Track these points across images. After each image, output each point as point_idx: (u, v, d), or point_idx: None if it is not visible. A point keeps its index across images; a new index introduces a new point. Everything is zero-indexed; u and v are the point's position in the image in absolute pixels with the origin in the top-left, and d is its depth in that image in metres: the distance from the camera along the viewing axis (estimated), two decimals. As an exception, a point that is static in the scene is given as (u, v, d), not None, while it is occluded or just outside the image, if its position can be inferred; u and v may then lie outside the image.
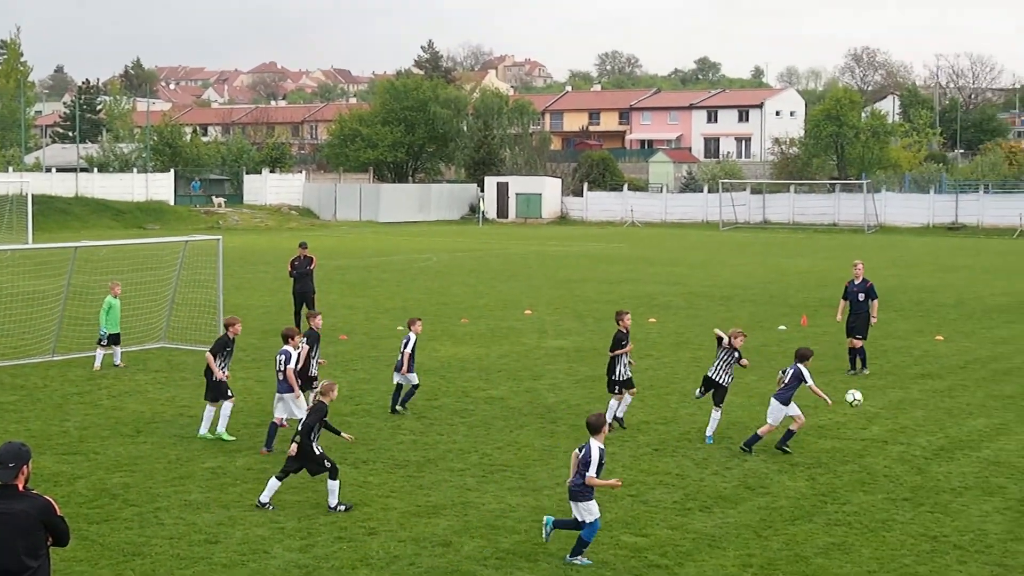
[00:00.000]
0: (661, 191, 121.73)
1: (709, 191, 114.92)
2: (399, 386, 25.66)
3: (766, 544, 17.01)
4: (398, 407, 25.55)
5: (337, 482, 18.33)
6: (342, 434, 19.39)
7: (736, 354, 23.44)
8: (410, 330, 25.80)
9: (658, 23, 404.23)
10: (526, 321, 40.69)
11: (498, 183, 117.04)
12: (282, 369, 21.93)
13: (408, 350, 25.28)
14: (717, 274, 59.18)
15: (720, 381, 23.46)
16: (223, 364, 23.08)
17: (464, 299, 47.22)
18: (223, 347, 23.22)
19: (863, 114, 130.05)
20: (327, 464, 18.36)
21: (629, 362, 24.59)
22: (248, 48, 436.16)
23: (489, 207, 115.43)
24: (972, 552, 16.75)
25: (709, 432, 23.42)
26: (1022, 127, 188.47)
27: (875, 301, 32.39)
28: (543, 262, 66.65)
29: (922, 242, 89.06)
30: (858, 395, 23.56)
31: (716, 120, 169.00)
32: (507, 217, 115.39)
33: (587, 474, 16.14)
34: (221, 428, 22.91)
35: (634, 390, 24.75)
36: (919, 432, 24.10)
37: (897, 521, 18.17)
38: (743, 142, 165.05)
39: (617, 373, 24.33)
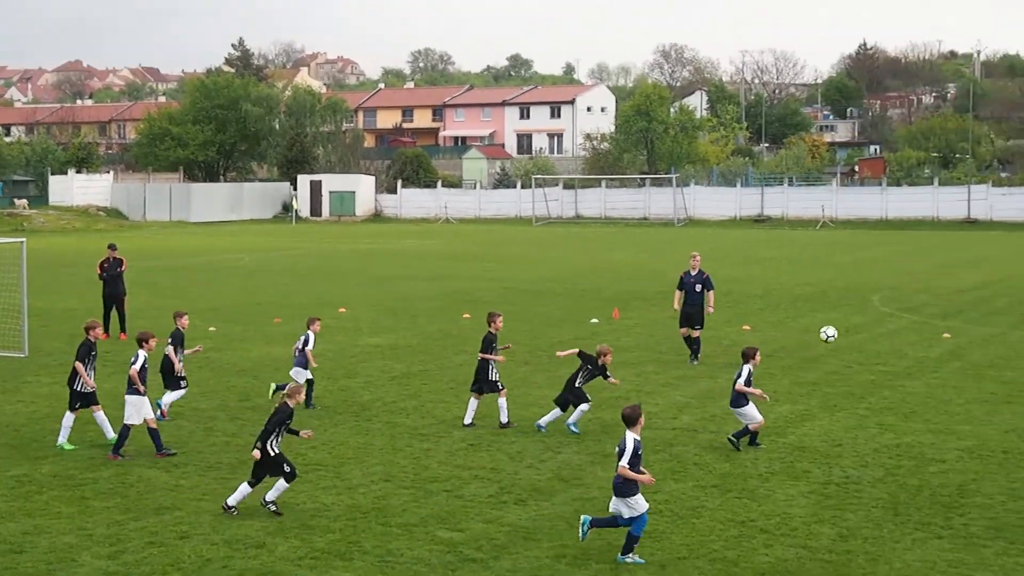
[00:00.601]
0: (475, 187, 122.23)
1: (522, 187, 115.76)
2: (310, 382, 26.03)
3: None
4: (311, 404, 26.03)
5: (287, 485, 18.29)
6: (300, 433, 19.09)
7: (605, 371, 23.89)
8: (308, 329, 26.25)
9: (471, 21, 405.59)
10: (340, 319, 40.50)
11: (311, 181, 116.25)
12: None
13: (309, 347, 25.88)
14: (531, 269, 59.64)
15: (580, 393, 23.86)
16: (90, 370, 22.48)
17: (277, 298, 46.81)
18: (87, 353, 22.52)
19: (672, 109, 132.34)
20: (286, 468, 18.24)
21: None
22: (52, 46, 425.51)
23: (302, 205, 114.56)
24: (778, 535, 17.18)
25: (543, 422, 23.85)
26: (824, 121, 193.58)
27: (711, 292, 33.17)
28: (357, 260, 66.41)
29: (730, 234, 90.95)
30: (831, 331, 24.03)
31: (529, 117, 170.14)
32: (320, 215, 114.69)
33: (619, 464, 16.17)
34: (109, 435, 22.28)
35: (505, 389, 24.65)
36: (727, 420, 24.59)
37: (706, 508, 18.55)
38: (555, 138, 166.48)
39: (489, 374, 24.37)
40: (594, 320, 40.00)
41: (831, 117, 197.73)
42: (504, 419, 24.17)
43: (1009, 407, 25.86)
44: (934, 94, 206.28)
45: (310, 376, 26.19)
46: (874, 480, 19.97)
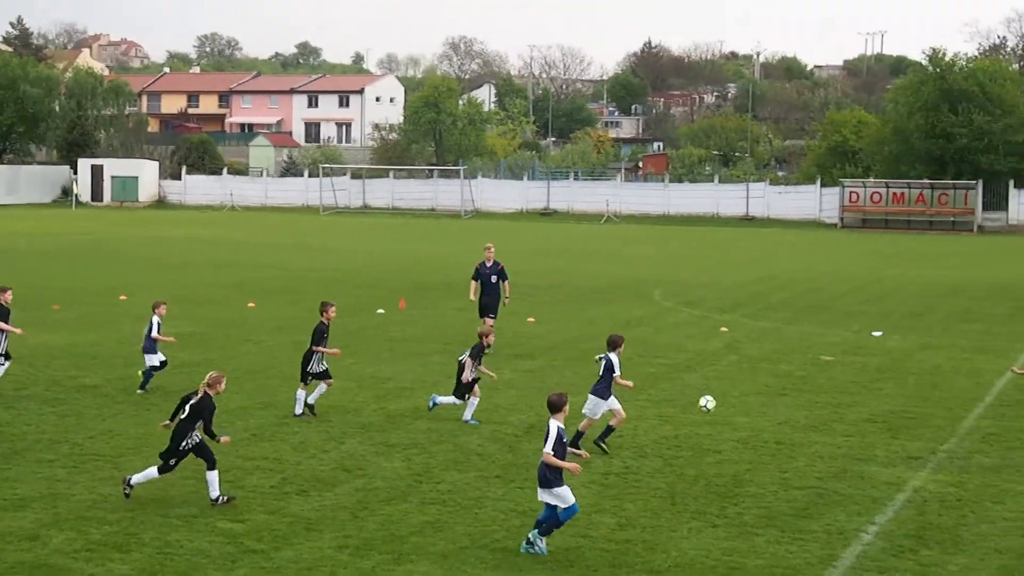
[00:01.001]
0: (262, 175, 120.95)
1: (310, 176, 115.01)
2: (156, 368, 26.41)
3: (362, 525, 17.19)
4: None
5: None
6: (220, 439, 18.50)
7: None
8: (154, 313, 26.54)
9: (259, 6, 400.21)
10: (122, 307, 39.67)
11: (92, 165, 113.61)
12: None
13: (154, 333, 26.15)
14: (318, 258, 59.28)
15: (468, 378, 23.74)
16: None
17: (56, 285, 45.60)
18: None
19: (460, 102, 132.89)
20: (172, 462, 18.09)
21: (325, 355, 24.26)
22: None
23: (83, 190, 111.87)
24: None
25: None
26: (610, 117, 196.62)
27: (507, 282, 33.61)
28: (141, 246, 65.11)
29: (516, 227, 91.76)
30: (709, 402, 22.54)
31: (317, 105, 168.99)
32: (102, 200, 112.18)
33: (544, 450, 15.97)
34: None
35: (331, 381, 24.37)
36: (511, 411, 24.84)
37: (489, 498, 18.70)
38: (344, 127, 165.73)
39: (312, 365, 24.06)
40: (380, 311, 39.96)
41: (616, 113, 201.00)
42: (298, 410, 24.02)
43: (783, 399, 26.64)
44: (715, 93, 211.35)
45: (162, 359, 26.24)
46: (653, 470, 20.38)
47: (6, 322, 25.01)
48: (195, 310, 39.31)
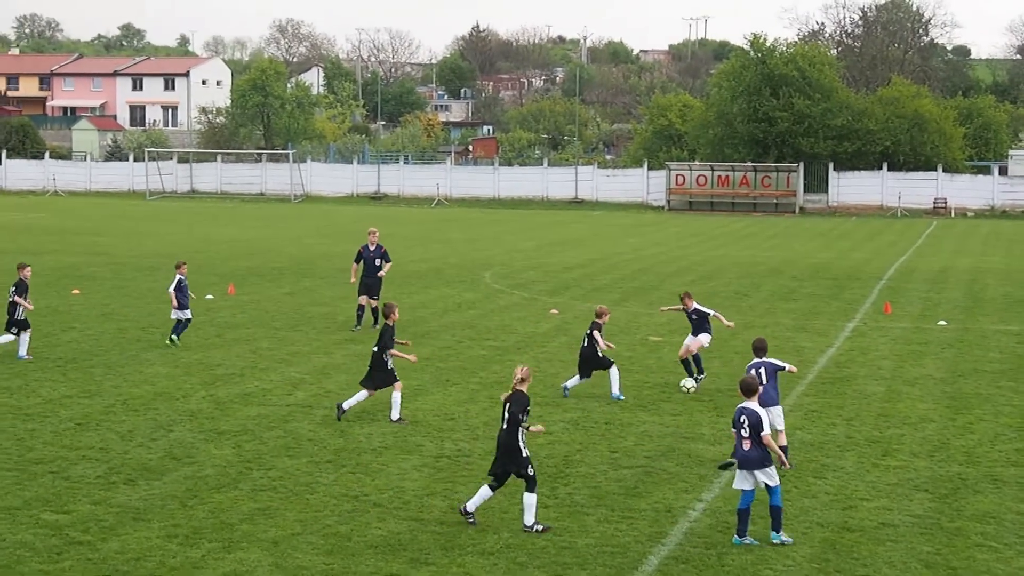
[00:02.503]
0: (85, 159, 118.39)
1: (135, 160, 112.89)
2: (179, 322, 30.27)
3: (192, 513, 17.00)
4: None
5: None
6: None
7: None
8: (177, 272, 30.73)
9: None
10: (-62, 296, 38.52)
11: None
12: None
13: (171, 289, 30.32)
14: (144, 244, 58.28)
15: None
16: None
17: None
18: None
19: (288, 85, 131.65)
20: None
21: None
22: None
23: None
24: (391, 508, 17.42)
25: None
26: (439, 101, 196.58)
27: (388, 264, 34.49)
28: (-43, 233, 63.28)
29: (346, 211, 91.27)
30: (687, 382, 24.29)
31: (142, 88, 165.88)
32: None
33: (763, 433, 16.23)
34: None
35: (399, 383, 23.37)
36: (343, 396, 24.70)
37: (321, 483, 18.62)
38: (170, 111, 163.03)
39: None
40: (209, 296, 39.45)
41: (446, 97, 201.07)
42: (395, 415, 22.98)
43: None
44: (544, 77, 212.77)
45: (189, 316, 30.70)
46: (485, 452, 20.47)
47: (24, 297, 28.34)
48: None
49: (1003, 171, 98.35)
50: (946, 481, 19.20)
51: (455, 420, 22.84)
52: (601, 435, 21.87)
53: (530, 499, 16.59)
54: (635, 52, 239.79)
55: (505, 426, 17.02)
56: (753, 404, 16.54)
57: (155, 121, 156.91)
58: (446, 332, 33.29)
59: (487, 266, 50.78)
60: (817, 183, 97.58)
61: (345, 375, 27.02)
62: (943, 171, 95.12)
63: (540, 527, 16.51)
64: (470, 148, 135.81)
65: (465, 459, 20.12)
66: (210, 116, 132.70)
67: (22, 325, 28.48)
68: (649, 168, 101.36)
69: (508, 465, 16.85)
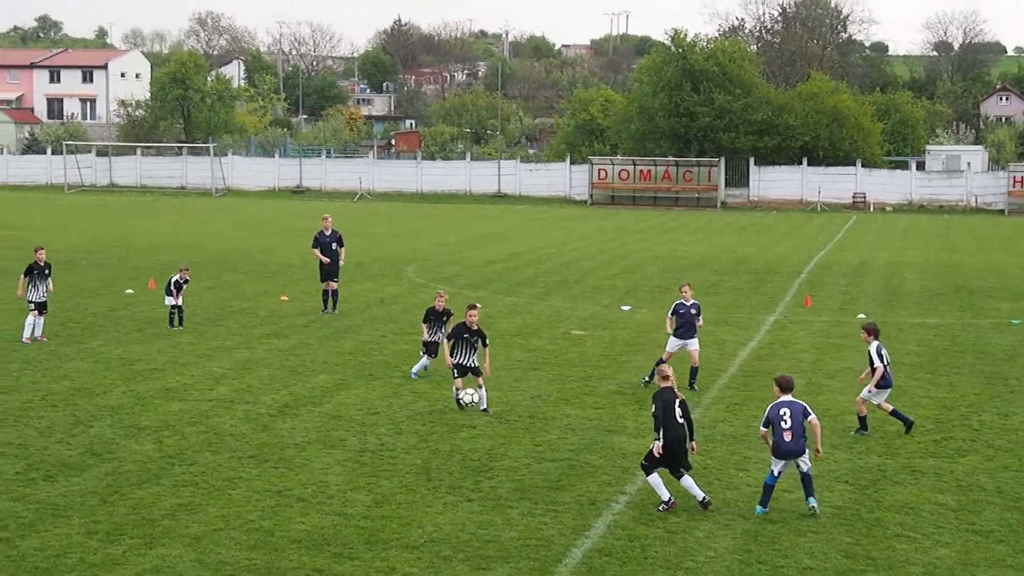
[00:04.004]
0: (2, 152, 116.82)
1: (53, 153, 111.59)
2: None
3: (112, 510, 16.85)
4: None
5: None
6: None
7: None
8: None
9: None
10: None
11: None
12: None
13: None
14: (62, 238, 57.57)
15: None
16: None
17: None
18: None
19: (209, 78, 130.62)
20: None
21: None
22: None
23: None
24: (314, 503, 17.36)
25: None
26: (361, 95, 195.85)
27: (343, 248, 36.26)
28: None
29: (268, 205, 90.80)
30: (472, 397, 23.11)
31: (59, 80, 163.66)
32: None
33: (810, 419, 17.44)
34: None
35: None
36: (265, 391, 24.64)
37: (243, 478, 18.52)
38: (88, 103, 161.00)
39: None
40: (130, 291, 39.10)
41: (368, 91, 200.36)
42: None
43: (535, 373, 27.03)
44: (466, 72, 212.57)
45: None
46: (408, 447, 20.47)
47: (41, 280, 29.87)
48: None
49: (920, 166, 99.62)
50: (865, 472, 19.42)
51: (378, 415, 22.79)
52: (525, 428, 21.91)
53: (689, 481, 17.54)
54: (557, 47, 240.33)
55: (683, 423, 17.52)
56: (791, 397, 17.58)
57: (73, 114, 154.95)
58: (369, 326, 33.21)
59: (410, 260, 50.70)
60: (738, 177, 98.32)
61: (267, 369, 26.89)
62: (862, 166, 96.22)
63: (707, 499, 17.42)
64: (392, 142, 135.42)
65: (388, 453, 20.08)
66: (129, 109, 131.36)
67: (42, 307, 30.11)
68: (572, 162, 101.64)
69: (682, 461, 17.51)
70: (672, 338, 25.68)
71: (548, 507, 17.35)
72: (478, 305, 24.66)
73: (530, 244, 59.82)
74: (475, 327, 23.32)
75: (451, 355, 23.30)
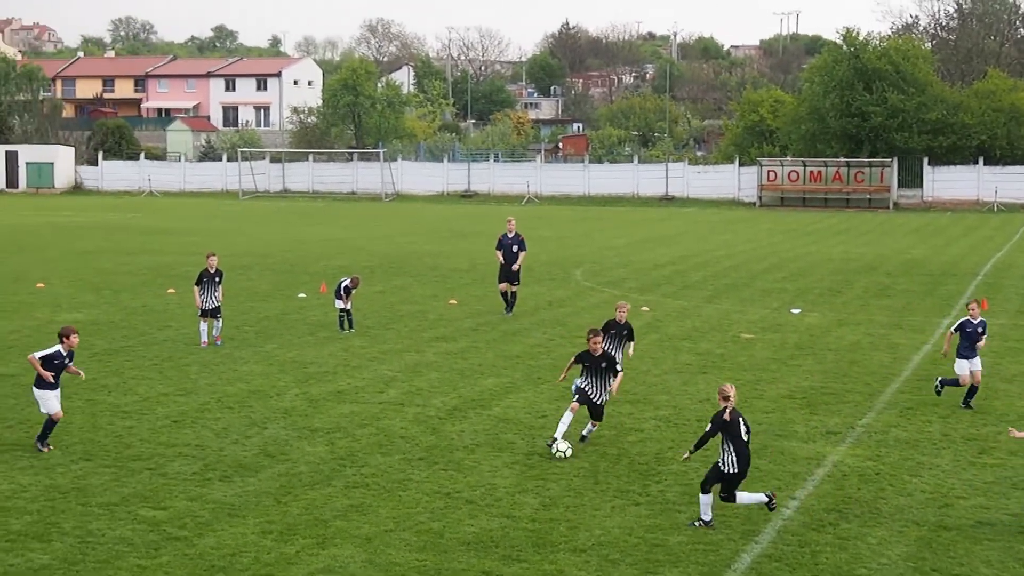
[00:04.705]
0: (179, 160, 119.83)
1: (228, 160, 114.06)
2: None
3: (286, 510, 17.16)
4: None
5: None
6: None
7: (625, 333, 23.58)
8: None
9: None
10: (39, 295, 39.22)
11: (6, 152, 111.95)
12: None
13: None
14: (237, 243, 58.84)
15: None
16: None
17: (-30, 273, 44.96)
18: None
19: (379, 84, 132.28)
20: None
21: None
22: None
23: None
24: (483, 505, 17.47)
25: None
26: (529, 99, 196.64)
27: (523, 252, 36.67)
28: (56, 234, 64.33)
29: (437, 209, 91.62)
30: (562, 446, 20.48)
31: (234, 89, 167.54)
32: (17, 187, 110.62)
33: None
34: None
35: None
36: (434, 394, 24.86)
37: (413, 480, 18.71)
38: (262, 111, 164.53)
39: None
40: (302, 295, 39.80)
41: (535, 95, 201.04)
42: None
43: (703, 377, 26.85)
44: (634, 74, 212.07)
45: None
46: (576, 450, 20.47)
47: (211, 286, 30.58)
48: (114, 297, 38.96)
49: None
50: (1045, 479, 18.90)
51: (546, 418, 22.84)
52: (693, 432, 21.74)
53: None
54: (725, 48, 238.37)
55: (746, 439, 16.82)
56: None
57: (248, 121, 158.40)
58: (537, 329, 33.31)
59: (577, 264, 50.73)
60: (911, 178, 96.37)
61: (436, 372, 27.13)
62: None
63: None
64: (560, 146, 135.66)
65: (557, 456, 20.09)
66: (302, 116, 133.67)
67: (214, 312, 30.61)
68: (740, 164, 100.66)
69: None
70: (960, 361, 23.90)
71: (717, 512, 17.20)
72: (600, 332, 21.31)
73: (698, 247, 59.44)
74: (599, 352, 20.72)
75: (581, 377, 20.84)
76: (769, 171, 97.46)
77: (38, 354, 20.45)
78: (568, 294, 41.16)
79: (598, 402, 20.73)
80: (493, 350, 30.13)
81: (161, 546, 15.67)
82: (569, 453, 19.88)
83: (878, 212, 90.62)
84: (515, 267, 36.20)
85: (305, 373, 26.94)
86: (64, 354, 20.39)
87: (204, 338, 30.17)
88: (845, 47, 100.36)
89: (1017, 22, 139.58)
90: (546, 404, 24.03)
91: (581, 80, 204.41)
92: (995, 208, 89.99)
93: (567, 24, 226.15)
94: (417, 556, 15.42)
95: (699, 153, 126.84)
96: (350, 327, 32.55)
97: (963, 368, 23.82)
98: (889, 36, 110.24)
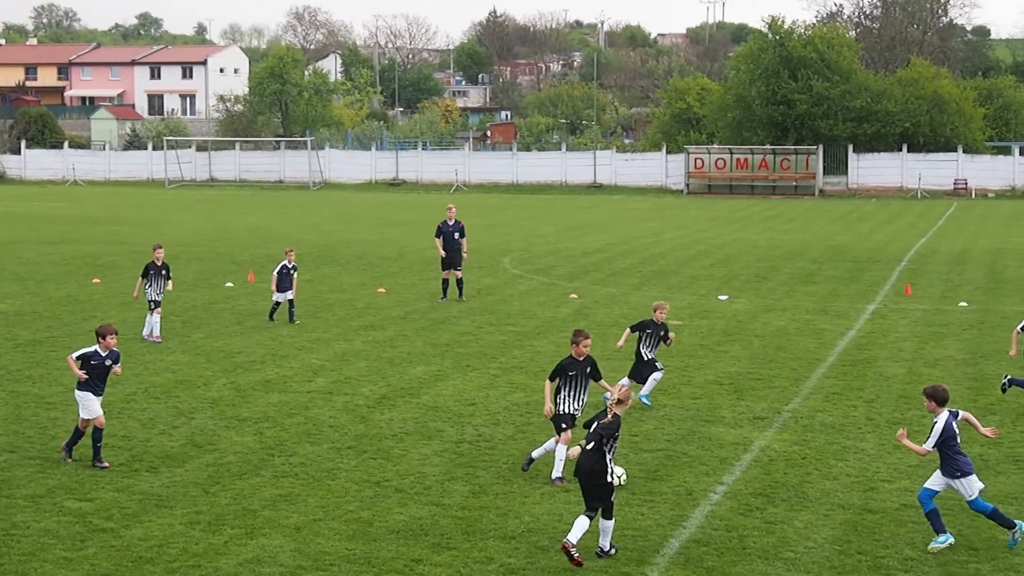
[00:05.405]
0: (104, 149, 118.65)
1: (154, 149, 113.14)
2: (277, 304, 32.11)
3: (214, 500, 17.06)
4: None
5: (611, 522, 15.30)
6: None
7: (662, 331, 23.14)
8: (286, 258, 32.26)
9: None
10: (-40, 286, 38.72)
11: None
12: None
13: (275, 273, 31.96)
14: (163, 232, 58.34)
15: (654, 360, 23.07)
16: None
17: None
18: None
19: (306, 72, 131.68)
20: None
21: None
22: None
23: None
24: (412, 494, 17.45)
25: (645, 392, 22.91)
26: (457, 87, 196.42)
27: (464, 239, 36.76)
28: (-22, 224, 63.50)
29: (365, 197, 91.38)
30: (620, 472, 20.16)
31: (160, 77, 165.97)
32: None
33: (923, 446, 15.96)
34: None
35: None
36: (363, 382, 24.81)
37: (342, 469, 18.66)
38: (188, 99, 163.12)
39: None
40: (229, 284, 39.56)
41: (463, 83, 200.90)
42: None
43: (631, 364, 26.91)
44: (561, 62, 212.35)
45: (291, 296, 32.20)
46: (505, 437, 20.52)
47: (157, 279, 29.88)
48: (38, 287, 38.54)
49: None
50: (968, 462, 19.15)
51: (475, 405, 22.87)
52: (624, 419, 21.82)
53: (608, 525, 15.15)
54: (652, 36, 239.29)
55: (589, 448, 15.19)
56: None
57: (173, 110, 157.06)
58: (465, 317, 33.32)
59: (506, 251, 50.78)
60: (836, 165, 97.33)
61: (365, 361, 27.07)
62: (963, 152, 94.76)
63: (614, 550, 15.24)
64: (488, 134, 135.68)
65: (486, 444, 20.14)
66: (228, 104, 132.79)
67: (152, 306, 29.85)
68: (668, 152, 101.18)
69: (600, 494, 15.04)
70: None
71: (645, 497, 17.31)
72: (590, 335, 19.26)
73: (626, 234, 59.66)
74: (584, 356, 18.62)
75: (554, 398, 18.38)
76: (696, 159, 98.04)
77: (75, 353, 19.69)
78: (497, 282, 41.19)
79: (574, 413, 18.20)
80: (422, 338, 30.10)
81: (87, 538, 15.54)
82: (624, 478, 17.75)
83: (804, 199, 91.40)
84: (464, 253, 36.74)
85: (233, 363, 26.79)
86: (103, 355, 19.22)
87: (147, 330, 29.68)
88: (771, 35, 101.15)
89: (940, 11, 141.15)
90: (475, 392, 24.05)
91: (509, 68, 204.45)
92: (919, 195, 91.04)
93: (494, 12, 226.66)
94: (346, 545, 15.39)
95: (627, 141, 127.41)
96: (291, 320, 32.13)
97: None
98: (814, 24, 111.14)
